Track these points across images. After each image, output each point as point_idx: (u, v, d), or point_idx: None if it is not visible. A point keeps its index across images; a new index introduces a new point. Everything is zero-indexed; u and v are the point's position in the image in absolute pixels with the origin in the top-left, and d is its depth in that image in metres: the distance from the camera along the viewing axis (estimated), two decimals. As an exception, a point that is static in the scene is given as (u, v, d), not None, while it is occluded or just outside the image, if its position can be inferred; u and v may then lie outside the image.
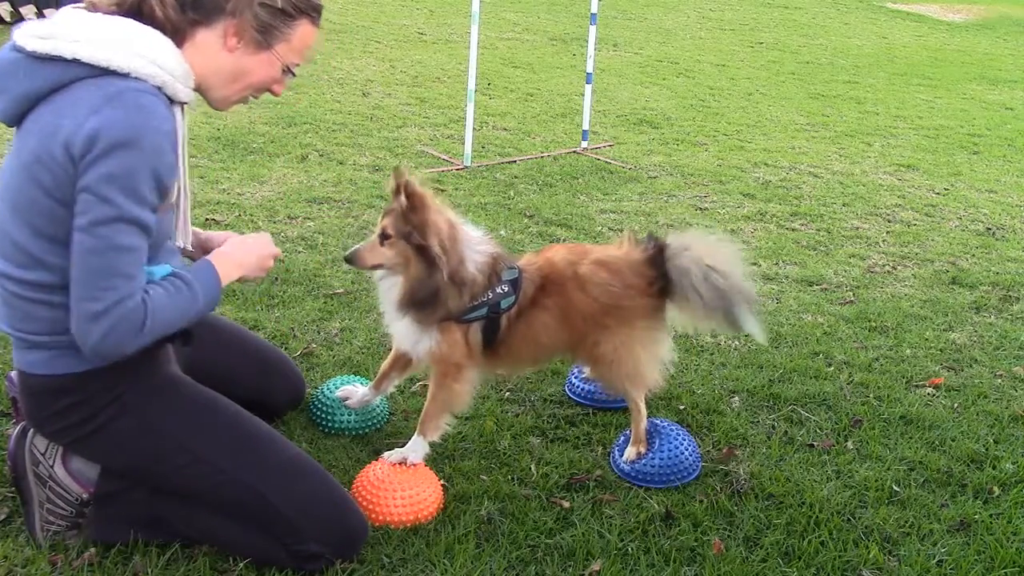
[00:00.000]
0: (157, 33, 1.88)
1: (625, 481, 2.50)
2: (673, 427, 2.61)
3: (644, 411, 2.55)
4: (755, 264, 4.21)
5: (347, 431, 2.63)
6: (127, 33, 1.84)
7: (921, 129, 7.22)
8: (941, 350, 3.46)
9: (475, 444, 2.63)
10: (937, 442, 2.81)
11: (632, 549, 2.24)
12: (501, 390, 2.95)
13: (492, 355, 2.45)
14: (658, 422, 2.62)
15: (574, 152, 5.82)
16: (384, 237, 2.30)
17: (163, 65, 1.85)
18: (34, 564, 2.04)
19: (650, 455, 2.50)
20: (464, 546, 2.19)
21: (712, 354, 3.29)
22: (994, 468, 2.69)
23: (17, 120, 1.88)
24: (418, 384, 2.92)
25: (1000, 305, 3.94)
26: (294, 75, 2.07)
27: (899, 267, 4.32)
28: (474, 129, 5.60)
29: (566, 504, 2.39)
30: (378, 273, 2.39)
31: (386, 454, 2.42)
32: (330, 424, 2.64)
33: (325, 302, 3.44)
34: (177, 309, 1.93)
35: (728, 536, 2.32)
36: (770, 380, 3.12)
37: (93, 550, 2.08)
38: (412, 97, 6.87)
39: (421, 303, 2.32)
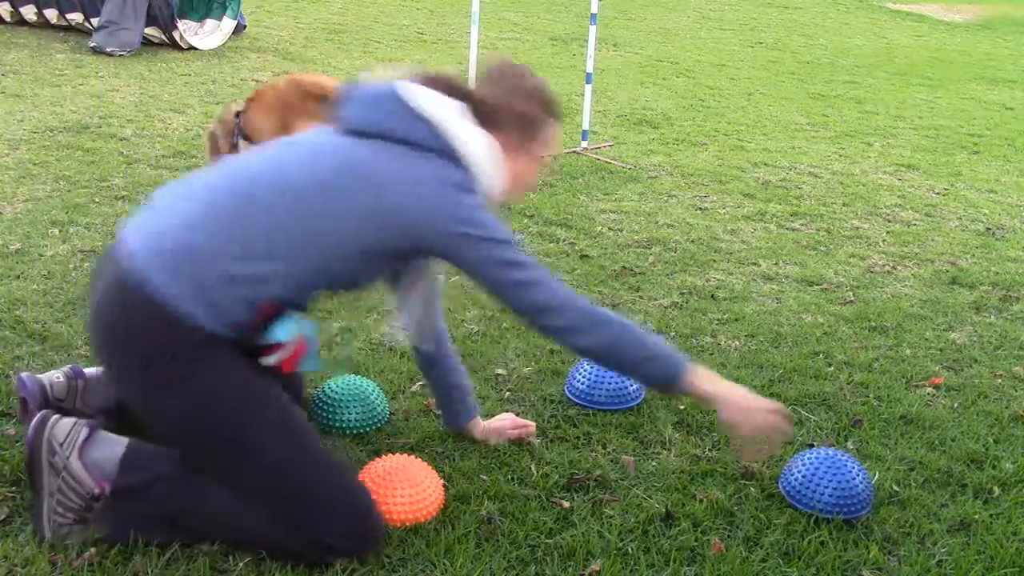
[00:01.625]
0: (493, 141, 2.18)
1: (624, 481, 2.50)
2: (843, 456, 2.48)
3: None
4: (755, 264, 4.21)
5: (347, 431, 2.64)
6: (482, 137, 2.16)
7: (921, 129, 7.22)
8: (941, 350, 3.46)
9: (475, 444, 2.63)
10: (937, 442, 2.81)
11: (632, 549, 2.24)
12: (501, 390, 2.95)
13: None
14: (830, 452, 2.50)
15: (574, 152, 5.82)
16: None
17: (497, 174, 2.19)
18: (34, 564, 2.04)
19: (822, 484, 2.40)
20: (464, 546, 2.19)
21: (712, 354, 3.29)
22: (994, 468, 2.69)
23: (346, 128, 2.12)
24: (418, 384, 2.92)
25: (1000, 305, 3.94)
26: (544, 168, 2.29)
27: (899, 267, 4.32)
28: (474, 129, 5.59)
29: (566, 504, 2.39)
30: None
31: None
32: (330, 424, 2.64)
33: (325, 302, 3.44)
34: (633, 337, 2.16)
35: (728, 536, 2.32)
36: (770, 380, 3.12)
37: (93, 550, 2.08)
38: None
39: None
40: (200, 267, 2.03)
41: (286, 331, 2.13)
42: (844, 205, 5.19)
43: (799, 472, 2.44)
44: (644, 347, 2.15)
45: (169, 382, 2.05)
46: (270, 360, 2.16)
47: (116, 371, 2.15)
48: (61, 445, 2.12)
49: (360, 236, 2.07)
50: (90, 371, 2.50)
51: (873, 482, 2.55)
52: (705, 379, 2.17)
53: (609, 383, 2.85)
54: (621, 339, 2.14)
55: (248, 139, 2.78)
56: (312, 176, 2.09)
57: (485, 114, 2.16)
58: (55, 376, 2.45)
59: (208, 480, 2.13)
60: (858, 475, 2.41)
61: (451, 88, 2.17)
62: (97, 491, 2.10)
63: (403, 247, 2.11)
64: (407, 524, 2.24)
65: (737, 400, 2.16)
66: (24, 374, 2.44)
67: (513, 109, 2.19)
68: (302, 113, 2.98)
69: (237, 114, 3.17)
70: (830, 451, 2.48)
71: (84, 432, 2.14)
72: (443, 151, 2.09)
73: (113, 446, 2.15)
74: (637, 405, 2.88)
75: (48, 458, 2.11)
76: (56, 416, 2.16)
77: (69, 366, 2.52)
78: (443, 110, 2.11)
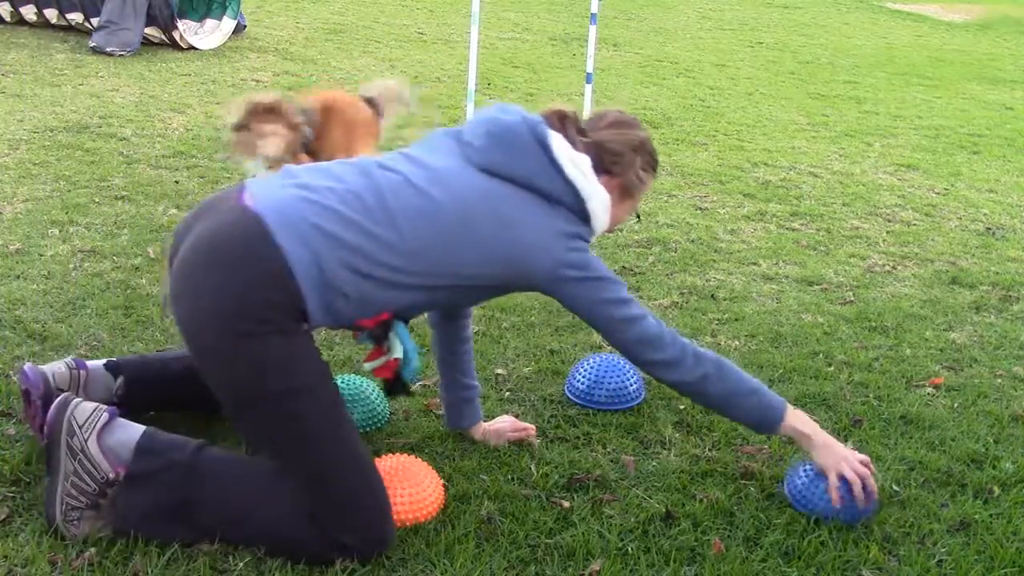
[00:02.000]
0: (607, 195, 2.30)
1: (624, 481, 2.50)
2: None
3: None
4: (755, 264, 4.21)
5: (347, 431, 2.63)
6: (602, 192, 2.29)
7: (921, 129, 7.22)
8: (941, 350, 3.46)
9: (475, 444, 2.63)
10: (937, 442, 2.81)
11: (632, 549, 2.24)
12: (501, 390, 2.95)
13: None
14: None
15: (574, 152, 5.81)
16: None
17: (603, 225, 2.33)
18: (34, 564, 2.04)
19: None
20: (464, 546, 2.19)
21: (712, 354, 3.29)
22: (994, 468, 2.69)
23: (479, 164, 2.22)
24: (418, 384, 2.92)
25: (1000, 305, 3.94)
26: (638, 218, 2.41)
27: (899, 267, 4.32)
28: (474, 129, 5.59)
29: (566, 504, 2.39)
30: None
31: None
32: (330, 424, 2.64)
33: (325, 302, 3.44)
34: (732, 373, 2.34)
35: (728, 536, 2.32)
36: (770, 380, 3.12)
37: (93, 550, 2.08)
38: (412, 97, 6.86)
39: None
40: (335, 252, 2.07)
41: (397, 344, 2.22)
42: (844, 205, 5.19)
43: (804, 475, 2.44)
44: (744, 383, 2.33)
45: (251, 340, 2.05)
46: (369, 366, 2.27)
47: (201, 305, 2.09)
48: (81, 427, 2.12)
49: (482, 270, 2.20)
50: (91, 363, 2.51)
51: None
52: (800, 420, 2.37)
53: (609, 383, 2.85)
54: (721, 375, 2.31)
55: (311, 154, 2.71)
56: (454, 201, 2.17)
57: (602, 160, 2.30)
58: (57, 367, 2.46)
59: (221, 470, 2.14)
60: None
61: (578, 131, 2.31)
62: (112, 476, 2.10)
63: (512, 285, 2.28)
64: (407, 524, 2.24)
65: (832, 445, 2.37)
66: (27, 365, 2.44)
67: (630, 161, 2.33)
68: (367, 136, 2.96)
69: (301, 125, 2.84)
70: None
71: (104, 417, 2.15)
72: (571, 206, 2.23)
73: (130, 433, 2.16)
74: (637, 405, 2.88)
75: (67, 439, 2.11)
76: (78, 399, 2.18)
77: (71, 357, 2.53)
78: (580, 166, 2.23)
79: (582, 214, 2.25)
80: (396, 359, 2.24)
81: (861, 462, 2.35)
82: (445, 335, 2.61)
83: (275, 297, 2.06)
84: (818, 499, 2.37)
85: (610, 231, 2.44)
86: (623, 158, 2.32)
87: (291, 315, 2.08)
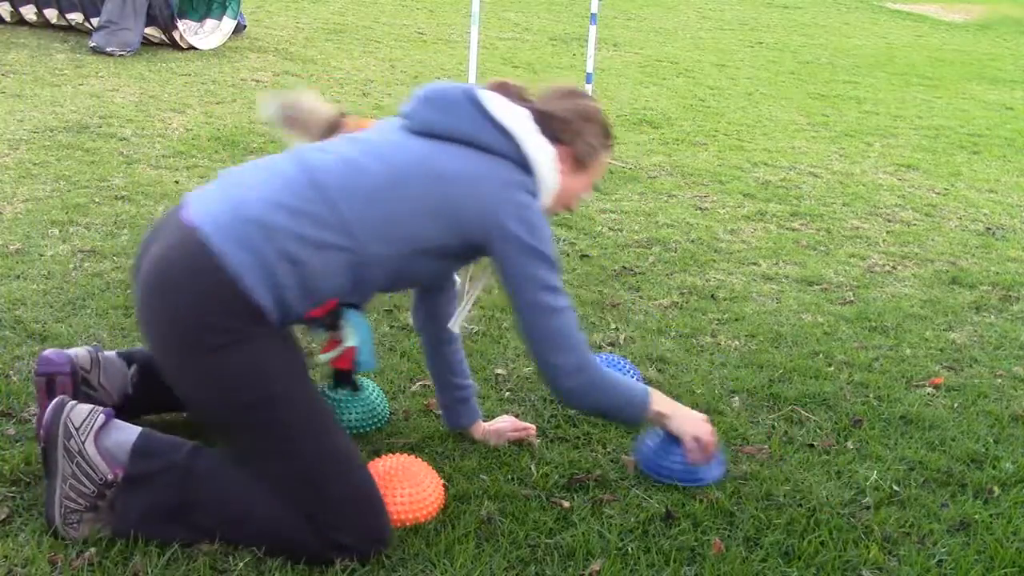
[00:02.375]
0: (555, 153, 2.26)
1: (624, 481, 2.50)
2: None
3: None
4: (755, 264, 4.21)
5: (347, 430, 2.63)
6: (546, 148, 2.24)
7: (921, 129, 7.22)
8: (941, 350, 3.46)
9: (475, 444, 2.63)
10: (937, 442, 2.81)
11: (632, 549, 2.24)
12: (501, 390, 2.95)
13: None
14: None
15: (574, 152, 5.81)
16: None
17: (554, 183, 2.27)
18: (34, 564, 2.04)
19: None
20: (464, 546, 2.19)
21: (712, 354, 3.29)
22: (994, 468, 2.69)
23: (419, 128, 2.20)
24: (418, 384, 2.92)
25: (1000, 305, 3.94)
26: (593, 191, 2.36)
27: (899, 267, 4.32)
28: (474, 129, 5.59)
29: (566, 504, 2.39)
30: None
31: None
32: (330, 424, 2.63)
33: (325, 302, 3.44)
34: (621, 388, 2.33)
35: (728, 536, 2.32)
36: (770, 380, 3.12)
37: (93, 550, 2.07)
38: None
39: None
40: (272, 242, 2.05)
41: (351, 332, 2.18)
42: (844, 205, 5.19)
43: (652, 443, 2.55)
44: (613, 393, 2.33)
45: (218, 354, 2.04)
46: (324, 357, 2.24)
47: (162, 331, 2.10)
48: (78, 429, 2.12)
49: (424, 231, 2.13)
50: (107, 353, 2.51)
51: (873, 482, 2.56)
52: (661, 402, 2.41)
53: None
54: (594, 387, 2.29)
55: None
56: (387, 166, 2.15)
57: (551, 127, 2.25)
58: (78, 350, 2.45)
59: (219, 471, 2.13)
60: None
61: (520, 97, 2.27)
62: (111, 477, 2.10)
63: (463, 247, 2.19)
64: (407, 524, 2.24)
65: (686, 413, 2.44)
66: (48, 351, 2.42)
67: (578, 129, 2.29)
68: None
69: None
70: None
71: (101, 418, 2.14)
72: (512, 157, 2.18)
73: (127, 434, 2.15)
74: (637, 405, 2.88)
75: (64, 441, 2.11)
76: (73, 401, 2.17)
77: (90, 345, 2.53)
78: (516, 117, 2.19)
79: (526, 167, 2.20)
80: (352, 347, 2.20)
81: (707, 419, 2.47)
82: (430, 337, 2.61)
83: (230, 306, 2.04)
84: (667, 462, 2.48)
85: (569, 208, 2.40)
86: (571, 125, 2.28)
87: (251, 319, 2.05)
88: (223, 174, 2.23)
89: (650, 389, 2.39)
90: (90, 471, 2.10)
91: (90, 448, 2.11)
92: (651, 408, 2.37)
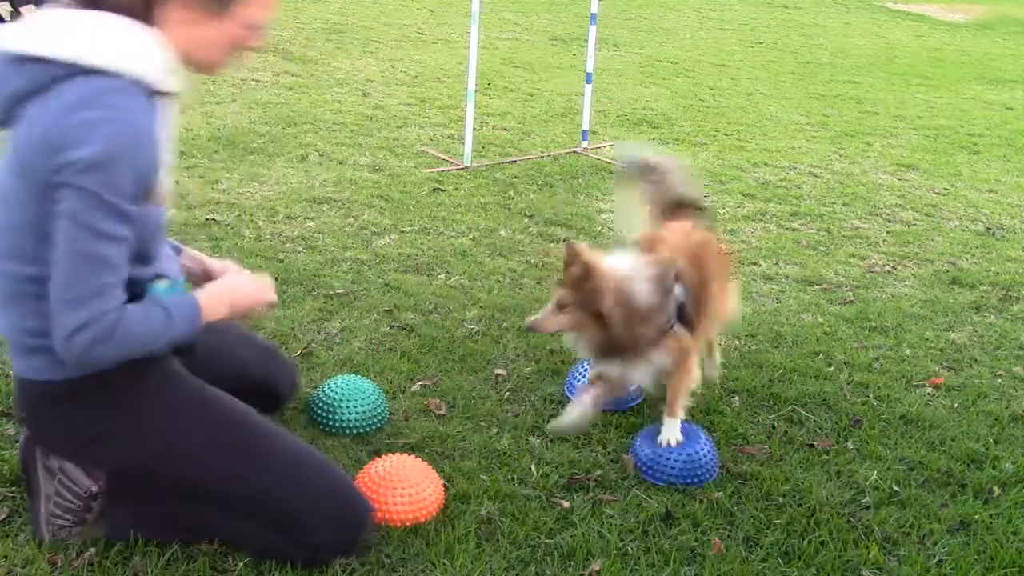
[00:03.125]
0: (129, 22, 1.86)
1: (624, 481, 2.50)
2: (694, 429, 2.63)
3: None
4: (755, 264, 4.21)
5: (347, 431, 2.63)
6: (100, 28, 1.83)
7: (921, 129, 7.22)
8: (941, 350, 3.46)
9: (475, 444, 2.63)
10: (937, 442, 2.81)
11: (632, 549, 2.24)
12: (501, 390, 2.95)
13: (694, 331, 2.64)
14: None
15: (574, 152, 5.82)
16: (560, 306, 2.45)
17: (138, 57, 1.85)
18: (34, 564, 2.04)
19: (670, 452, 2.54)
20: (464, 546, 2.19)
21: (712, 354, 3.29)
22: (994, 468, 2.69)
23: (5, 120, 1.89)
24: (418, 384, 2.92)
25: (1000, 305, 3.94)
26: (263, 31, 2.05)
27: (899, 267, 4.32)
28: (474, 129, 5.60)
29: (566, 504, 2.39)
30: (568, 340, 2.60)
31: (659, 439, 2.59)
32: (330, 424, 2.64)
33: (325, 302, 3.44)
34: (147, 333, 1.90)
35: (728, 536, 2.32)
36: (770, 380, 3.12)
37: (93, 550, 2.08)
38: (412, 97, 6.87)
39: (618, 349, 2.49)
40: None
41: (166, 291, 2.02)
42: (844, 205, 5.19)
43: (649, 447, 2.56)
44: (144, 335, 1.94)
45: (94, 443, 2.02)
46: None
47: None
48: None
49: (24, 206, 1.86)
50: None
51: (873, 482, 2.56)
52: (211, 312, 2.05)
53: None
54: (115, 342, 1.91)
55: None
56: None
57: None
58: None
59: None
60: (705, 446, 2.57)
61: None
62: (95, 489, 2.10)
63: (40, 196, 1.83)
64: (407, 524, 2.24)
65: (228, 300, 2.10)
66: None
67: None
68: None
69: None
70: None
71: None
72: (73, 74, 1.81)
73: None
74: (637, 405, 2.88)
75: (43, 460, 2.10)
76: None
77: None
78: (40, 40, 1.82)
79: (92, 70, 1.81)
80: None
81: (266, 304, 2.19)
82: None
83: (68, 402, 1.99)
84: (665, 465, 2.52)
85: (221, 63, 2.02)
86: None
87: (93, 392, 1.99)
88: None
89: (199, 303, 2.02)
90: (73, 486, 2.10)
91: (69, 464, 2.09)
92: (205, 314, 2.02)
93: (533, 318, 2.51)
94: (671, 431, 2.60)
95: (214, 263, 2.27)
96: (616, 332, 2.43)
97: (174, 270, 2.10)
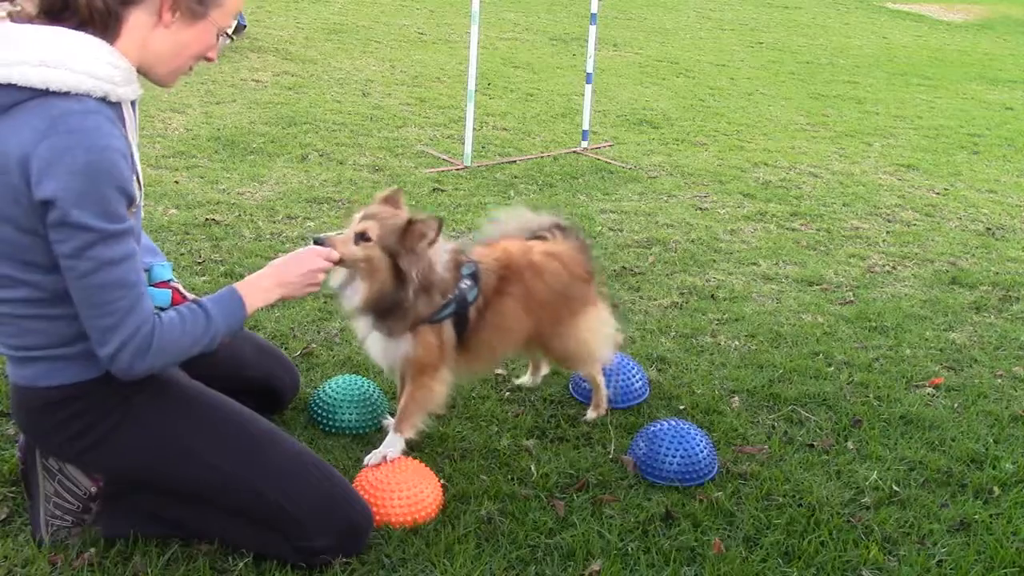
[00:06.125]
0: (89, 38, 1.81)
1: (624, 481, 2.50)
2: (691, 428, 2.61)
3: (603, 381, 2.80)
4: (755, 264, 4.21)
5: (347, 431, 2.63)
6: (60, 48, 1.78)
7: (921, 129, 7.22)
8: (941, 350, 3.46)
9: (475, 444, 2.63)
10: (937, 442, 2.81)
11: (632, 549, 2.24)
12: (501, 390, 2.95)
13: (464, 350, 2.50)
14: (677, 423, 2.61)
15: (574, 152, 5.82)
16: (362, 238, 2.29)
17: (101, 75, 1.80)
18: (34, 564, 2.04)
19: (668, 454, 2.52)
20: (464, 546, 2.19)
21: (712, 354, 3.29)
22: (994, 468, 2.69)
23: None
24: (418, 384, 2.92)
25: (1000, 305, 3.94)
26: (230, 38, 2.02)
27: (899, 267, 4.32)
28: (474, 129, 5.60)
29: (566, 504, 2.38)
30: (337, 280, 2.38)
31: (366, 459, 2.42)
32: (330, 424, 2.64)
33: (325, 302, 3.44)
34: (187, 336, 1.93)
35: (728, 536, 2.32)
36: (770, 380, 3.12)
37: (93, 550, 2.08)
38: (412, 97, 6.87)
39: (386, 311, 2.36)
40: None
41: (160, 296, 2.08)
42: (844, 205, 5.19)
43: (645, 445, 2.55)
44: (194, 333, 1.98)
45: (91, 448, 2.01)
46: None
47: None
48: None
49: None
50: None
51: (873, 482, 2.56)
52: (256, 298, 2.08)
53: (614, 381, 2.84)
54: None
55: None
56: None
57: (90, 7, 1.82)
58: None
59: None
60: (702, 442, 2.55)
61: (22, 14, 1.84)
62: (94, 490, 2.10)
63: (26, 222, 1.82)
64: (406, 525, 2.24)
65: (275, 280, 2.12)
66: None
67: None
68: None
69: None
70: (673, 422, 2.61)
71: None
72: (24, 100, 1.77)
73: None
74: (637, 405, 2.88)
75: (42, 461, 2.10)
76: None
77: None
78: (18, 53, 1.76)
79: (65, 94, 1.77)
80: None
81: (319, 270, 2.20)
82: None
83: (74, 406, 1.98)
84: (663, 465, 2.51)
85: (195, 61, 1.98)
86: None
87: (97, 399, 1.99)
88: None
89: (239, 291, 2.05)
90: (72, 486, 2.10)
91: (69, 464, 2.09)
92: (248, 305, 2.05)
93: (328, 234, 2.32)
94: (389, 446, 2.44)
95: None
96: (398, 292, 2.31)
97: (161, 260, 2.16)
